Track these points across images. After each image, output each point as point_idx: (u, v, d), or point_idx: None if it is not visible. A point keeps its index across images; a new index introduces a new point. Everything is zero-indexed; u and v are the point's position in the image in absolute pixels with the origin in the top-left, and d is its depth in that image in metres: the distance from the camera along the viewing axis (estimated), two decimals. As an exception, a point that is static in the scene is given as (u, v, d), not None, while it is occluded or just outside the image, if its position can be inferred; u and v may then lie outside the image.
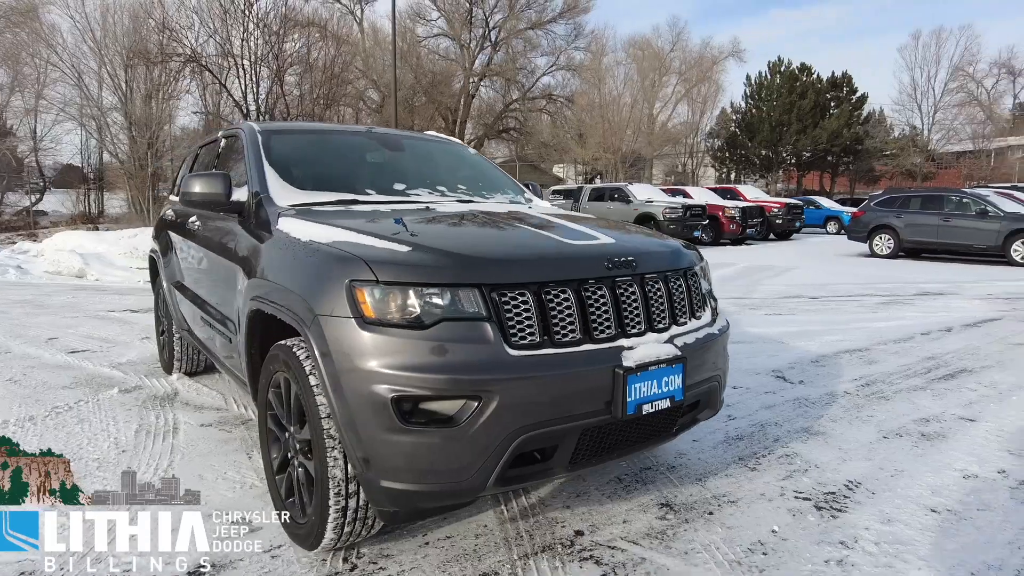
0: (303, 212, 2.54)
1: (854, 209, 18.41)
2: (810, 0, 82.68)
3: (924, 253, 13.73)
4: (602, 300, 2.05)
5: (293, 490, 2.26)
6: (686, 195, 18.51)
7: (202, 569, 2.13)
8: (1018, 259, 12.03)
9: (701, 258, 2.63)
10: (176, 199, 4.33)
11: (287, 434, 2.28)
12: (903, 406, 3.79)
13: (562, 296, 1.97)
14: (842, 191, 38.70)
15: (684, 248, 2.54)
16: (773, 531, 2.36)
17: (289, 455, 2.27)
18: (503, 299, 1.89)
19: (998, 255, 12.29)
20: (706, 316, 2.47)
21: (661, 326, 2.20)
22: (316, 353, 1.92)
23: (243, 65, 19.50)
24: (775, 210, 19.34)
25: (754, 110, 38.15)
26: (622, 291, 2.11)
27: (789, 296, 8.20)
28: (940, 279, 10.08)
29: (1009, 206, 12.85)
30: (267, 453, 2.45)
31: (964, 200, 13.18)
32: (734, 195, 20.69)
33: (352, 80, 21.49)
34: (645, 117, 37.10)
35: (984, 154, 40.17)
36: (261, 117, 18.38)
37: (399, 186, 3.11)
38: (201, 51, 20.85)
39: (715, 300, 2.68)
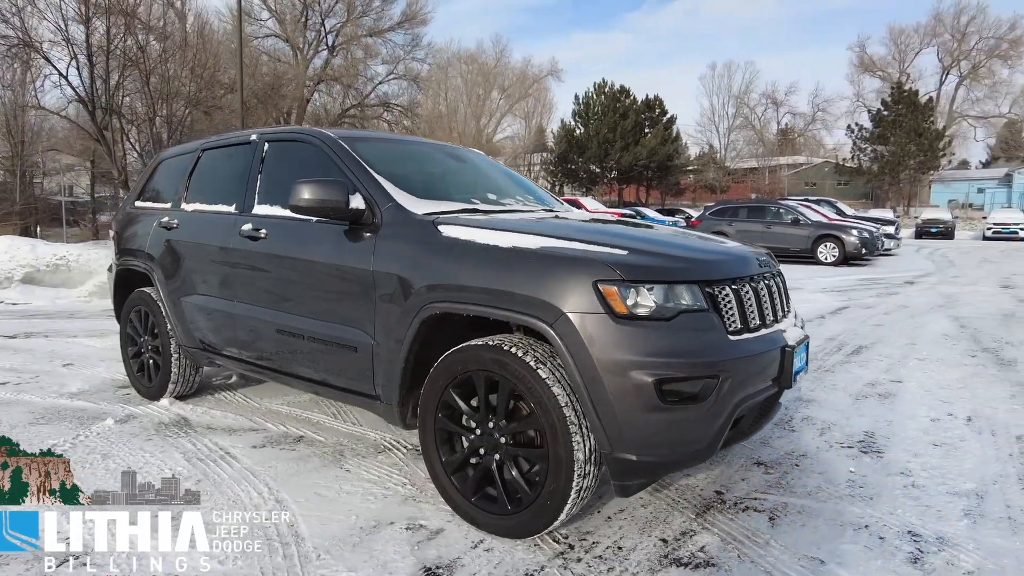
0: (452, 220, 2.64)
1: (671, 218, 21.41)
2: (633, 27, 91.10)
3: (751, 255, 16.16)
4: (762, 292, 2.48)
5: (477, 486, 2.39)
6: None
7: (437, 570, 2.17)
8: (823, 259, 14.71)
9: None
10: (168, 206, 3.95)
11: (475, 433, 2.39)
12: (847, 376, 4.72)
13: (743, 289, 2.37)
14: (654, 202, 43.41)
15: None
16: (851, 471, 2.97)
17: (482, 451, 2.38)
18: (714, 293, 2.24)
19: (808, 256, 14.92)
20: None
21: (783, 313, 2.70)
22: (565, 346, 2.10)
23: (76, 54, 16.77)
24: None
25: (581, 128, 41.29)
26: (765, 285, 2.56)
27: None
28: (778, 276, 12.03)
29: (814, 216, 15.66)
30: (437, 457, 2.51)
31: (781, 211, 15.79)
32: (578, 206, 22.41)
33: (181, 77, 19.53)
34: (473, 130, 38.55)
35: (763, 171, 47.67)
36: (110, 114, 15.90)
37: (491, 195, 3.27)
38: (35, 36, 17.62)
39: None
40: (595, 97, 40.86)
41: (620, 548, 2.30)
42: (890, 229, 18.40)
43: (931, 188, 47.89)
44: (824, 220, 15.51)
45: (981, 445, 3.30)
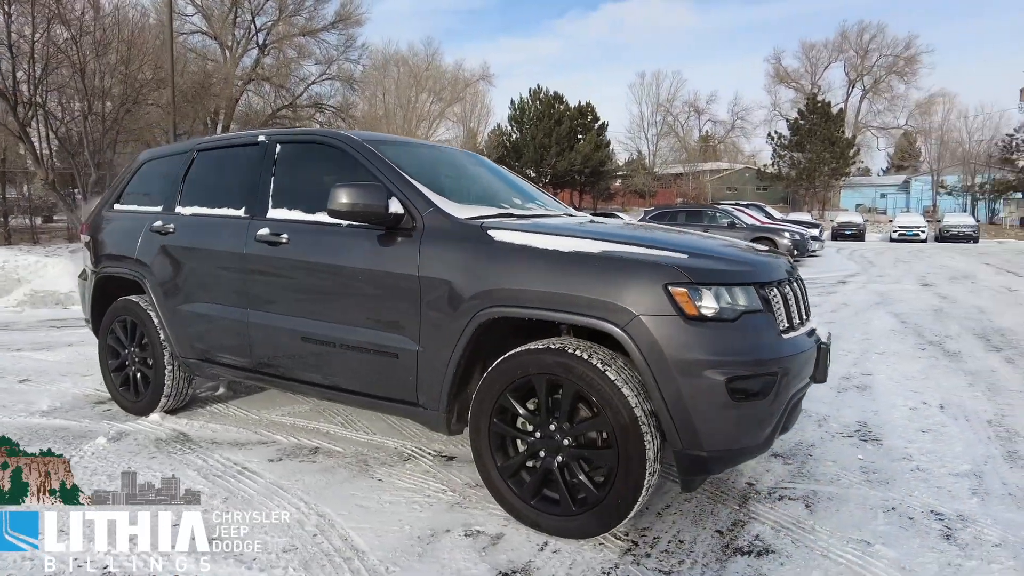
0: (500, 225, 2.65)
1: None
2: (559, 34, 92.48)
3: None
4: (794, 294, 2.63)
5: (536, 489, 2.42)
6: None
7: (514, 575, 2.18)
8: (759, 260, 15.49)
9: None
10: (159, 210, 3.74)
11: (533, 436, 2.42)
12: (821, 369, 5.02)
13: (785, 291, 2.51)
14: (587, 207, 44.39)
15: None
16: (860, 458, 3.18)
17: (542, 453, 2.40)
18: (766, 295, 2.37)
19: (745, 257, 15.66)
20: None
21: (808, 314, 2.86)
22: (638, 347, 2.16)
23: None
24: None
25: (517, 133, 41.68)
26: (795, 287, 2.71)
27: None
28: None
29: (748, 219, 16.46)
30: (492, 462, 2.52)
31: (717, 214, 16.51)
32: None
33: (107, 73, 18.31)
34: (407, 134, 38.26)
35: (688, 177, 49.69)
36: (34, 109, 14.56)
37: (516, 199, 3.30)
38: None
39: None
40: (530, 103, 41.32)
41: (681, 542, 2.38)
42: (815, 232, 19.61)
43: (841, 193, 51.31)
44: (758, 223, 16.34)
45: (961, 430, 3.60)
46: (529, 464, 2.48)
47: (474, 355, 2.58)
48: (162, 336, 3.65)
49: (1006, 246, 26.81)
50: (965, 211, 38.48)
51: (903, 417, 3.84)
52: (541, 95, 41.34)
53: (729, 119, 55.71)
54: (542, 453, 2.41)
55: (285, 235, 3.05)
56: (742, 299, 2.27)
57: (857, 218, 32.70)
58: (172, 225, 3.59)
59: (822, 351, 2.57)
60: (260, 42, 30.39)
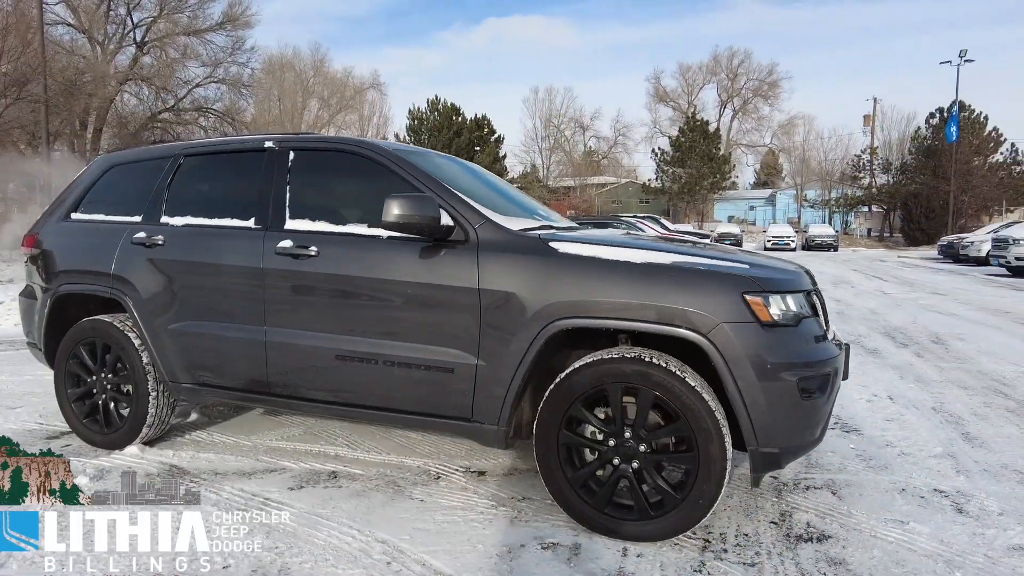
0: (557, 237, 2.69)
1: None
2: (445, 45, 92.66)
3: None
4: (820, 302, 2.87)
5: (611, 494, 2.48)
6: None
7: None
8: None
9: None
10: (137, 220, 3.39)
11: (606, 445, 2.48)
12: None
13: (819, 298, 2.75)
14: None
15: None
16: (852, 448, 3.51)
17: (616, 461, 2.46)
18: (812, 302, 2.59)
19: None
20: None
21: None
22: (720, 353, 2.29)
23: None
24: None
25: (415, 143, 41.34)
26: (820, 296, 2.96)
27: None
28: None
29: (648, 230, 17.43)
30: (562, 474, 2.53)
31: (623, 226, 17.34)
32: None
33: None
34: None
35: (577, 189, 51.63)
36: None
37: (540, 212, 3.34)
38: None
39: None
40: (429, 113, 41.19)
41: (746, 535, 2.53)
42: (707, 241, 21.11)
43: (715, 206, 55.49)
44: (659, 234, 17.35)
45: (917, 418, 4.07)
46: (598, 473, 2.52)
47: (537, 366, 2.59)
48: (145, 360, 3.31)
49: (860, 254, 30.26)
50: (825, 223, 42.96)
51: (865, 409, 4.27)
52: (439, 106, 41.36)
53: (612, 135, 58.72)
54: (616, 461, 2.47)
55: (314, 248, 2.90)
56: (798, 306, 2.47)
57: (735, 229, 35.61)
58: (160, 237, 3.28)
59: (846, 351, 2.83)
60: (137, 39, 28.08)
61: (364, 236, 2.85)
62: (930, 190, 34.53)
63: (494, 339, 2.60)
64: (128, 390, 3.42)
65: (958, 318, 8.40)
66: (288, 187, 3.09)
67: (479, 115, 43.35)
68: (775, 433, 2.34)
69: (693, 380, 2.34)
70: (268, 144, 3.21)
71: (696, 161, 44.69)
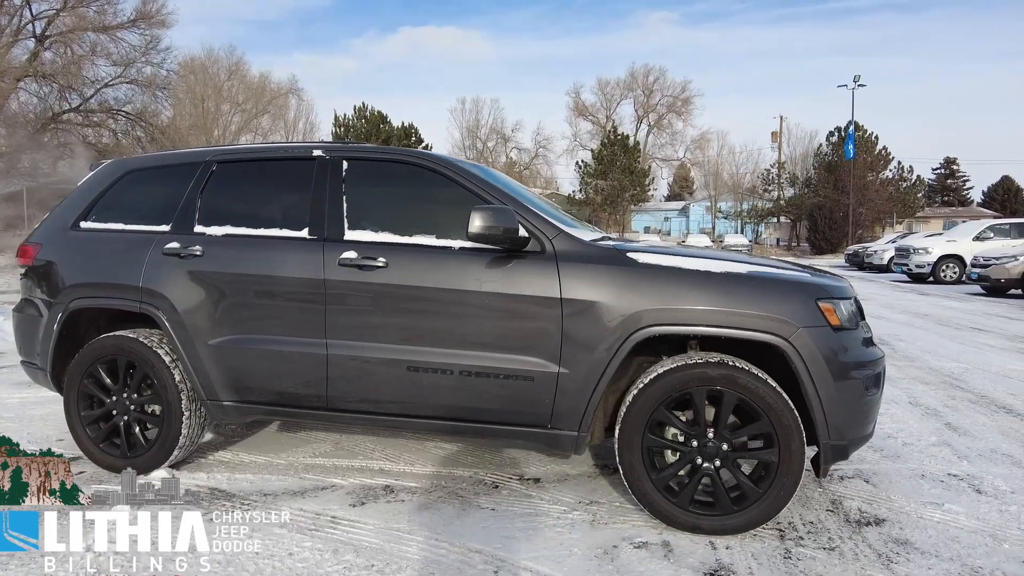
0: (632, 248, 2.84)
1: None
2: (358, 53, 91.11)
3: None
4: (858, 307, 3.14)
5: (694, 492, 2.62)
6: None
7: (719, 572, 2.34)
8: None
9: None
10: (165, 229, 3.22)
11: (689, 446, 2.62)
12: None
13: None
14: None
15: None
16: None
17: (699, 460, 2.60)
18: (859, 307, 2.84)
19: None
20: None
21: None
22: (801, 355, 2.49)
23: None
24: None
25: (341, 150, 40.50)
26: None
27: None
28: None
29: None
30: (646, 476, 2.65)
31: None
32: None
33: None
34: (206, 144, 35.36)
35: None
36: None
37: (587, 222, 3.46)
38: None
39: None
40: (356, 120, 40.43)
41: (812, 523, 2.73)
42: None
43: (632, 217, 57.64)
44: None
45: (902, 411, 4.49)
46: (680, 473, 2.65)
47: (621, 372, 2.69)
48: (177, 377, 3.14)
49: (773, 262, 32.38)
50: (738, 232, 45.67)
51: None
52: (367, 113, 40.70)
53: (533, 147, 59.84)
54: (699, 460, 2.61)
55: (382, 259, 2.87)
56: (853, 310, 2.71)
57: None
58: (198, 247, 3.13)
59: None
60: (36, 32, 25.96)
61: (434, 247, 2.86)
62: (832, 203, 37.48)
63: (577, 347, 2.68)
64: (154, 410, 3.23)
65: (888, 321, 9.21)
66: (344, 197, 3.04)
67: (406, 123, 43.04)
68: (845, 427, 2.56)
69: (774, 381, 2.52)
70: (316, 152, 3.15)
71: (618, 174, 46.23)
